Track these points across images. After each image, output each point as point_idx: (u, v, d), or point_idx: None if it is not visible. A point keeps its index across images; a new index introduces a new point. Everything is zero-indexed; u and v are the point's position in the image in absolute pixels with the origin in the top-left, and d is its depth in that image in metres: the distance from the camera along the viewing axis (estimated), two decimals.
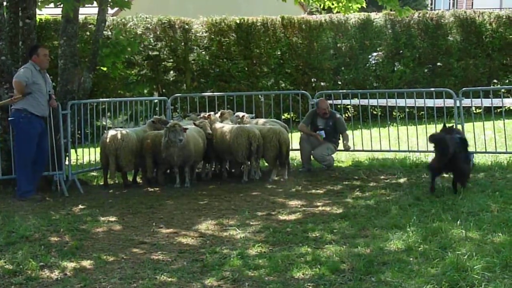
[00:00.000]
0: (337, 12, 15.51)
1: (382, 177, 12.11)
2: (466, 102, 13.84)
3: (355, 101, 17.13)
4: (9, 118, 11.11)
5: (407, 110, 16.06)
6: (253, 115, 14.05)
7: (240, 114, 13.18)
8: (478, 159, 12.91)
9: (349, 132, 13.48)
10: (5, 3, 12.01)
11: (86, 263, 7.18)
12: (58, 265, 7.10)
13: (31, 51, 11.22)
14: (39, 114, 11.03)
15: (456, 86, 20.15)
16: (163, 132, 12.09)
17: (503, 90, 18.63)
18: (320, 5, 15.51)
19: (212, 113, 13.44)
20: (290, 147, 12.98)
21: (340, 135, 13.15)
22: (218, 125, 12.58)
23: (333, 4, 15.10)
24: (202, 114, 13.27)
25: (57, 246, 7.88)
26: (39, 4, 12.31)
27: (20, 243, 8.02)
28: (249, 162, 12.14)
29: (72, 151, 12.33)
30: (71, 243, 8.01)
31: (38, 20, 15.47)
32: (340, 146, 13.24)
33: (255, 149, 11.86)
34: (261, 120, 13.41)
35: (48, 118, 11.53)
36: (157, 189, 11.82)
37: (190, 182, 11.94)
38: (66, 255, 7.44)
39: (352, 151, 13.78)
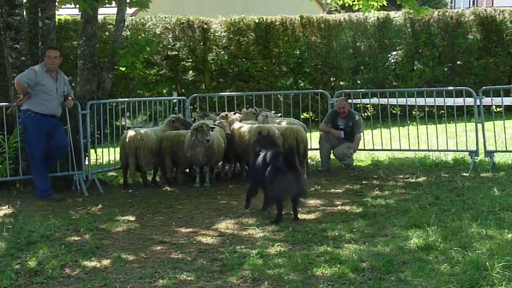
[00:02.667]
0: (357, 10, 15.47)
1: (402, 176, 12.07)
2: (486, 100, 13.76)
3: (375, 100, 17.08)
4: (19, 120, 11.29)
5: (426, 109, 15.99)
6: (279, 114, 13.98)
7: (268, 113, 13.03)
8: (498, 158, 12.84)
9: (368, 131, 13.45)
10: (25, 4, 12.08)
11: (106, 262, 7.20)
12: (79, 264, 7.13)
13: (42, 54, 11.45)
14: (45, 112, 11.02)
15: (476, 84, 20.05)
16: (182, 132, 12.12)
17: None
18: (339, 3, 15.47)
19: (229, 112, 13.45)
20: (310, 147, 12.96)
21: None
22: (236, 124, 12.58)
23: (353, 2, 15.07)
24: (221, 114, 13.28)
25: (77, 246, 7.91)
26: (57, 3, 12.36)
27: (40, 243, 8.06)
28: None
29: (92, 151, 12.38)
30: (91, 242, 8.03)
31: (57, 20, 15.54)
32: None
33: None
34: (284, 120, 13.32)
35: (68, 117, 11.59)
36: (176, 189, 11.83)
37: (210, 181, 11.95)
38: (86, 255, 7.47)
39: (371, 150, 13.74)
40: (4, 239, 8.28)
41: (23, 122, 11.07)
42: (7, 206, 10.48)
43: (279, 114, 13.71)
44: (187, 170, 12.73)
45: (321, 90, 16.57)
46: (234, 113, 13.56)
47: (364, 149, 13.60)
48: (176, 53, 22.07)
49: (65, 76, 11.47)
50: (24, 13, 12.01)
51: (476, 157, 12.56)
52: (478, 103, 12.79)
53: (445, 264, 6.49)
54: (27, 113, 10.96)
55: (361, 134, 13.22)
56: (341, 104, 13.07)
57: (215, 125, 12.15)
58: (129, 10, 18.42)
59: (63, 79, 11.36)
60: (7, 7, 11.39)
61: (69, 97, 11.39)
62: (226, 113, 13.26)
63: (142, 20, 21.88)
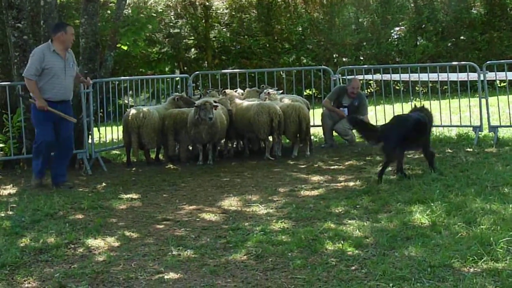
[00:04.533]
0: None
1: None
2: (490, 75, 13.70)
3: (378, 76, 17.04)
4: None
5: (430, 84, 15.93)
6: (281, 90, 13.94)
7: (270, 90, 12.99)
8: (502, 133, 12.83)
9: (371, 108, 13.42)
10: None
11: (110, 240, 7.22)
12: (83, 242, 7.14)
13: (53, 29, 10.35)
14: (55, 99, 10.10)
15: (480, 59, 19.99)
16: (184, 110, 12.10)
17: None
18: None
19: (228, 89, 13.43)
20: (312, 123, 12.95)
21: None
22: (237, 102, 12.56)
23: None
24: (225, 91, 13.26)
25: (82, 224, 7.92)
26: None
27: (45, 221, 8.08)
28: (270, 139, 12.15)
29: (95, 129, 12.37)
30: (95, 220, 8.05)
31: None
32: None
33: (276, 126, 11.84)
34: (287, 97, 13.27)
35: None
36: (179, 166, 11.84)
37: (213, 159, 11.96)
38: (91, 232, 7.48)
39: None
40: (8, 217, 8.30)
41: (31, 108, 10.32)
42: (11, 185, 10.50)
43: (281, 91, 13.67)
44: (190, 148, 12.72)
45: (324, 67, 16.53)
46: (235, 91, 13.53)
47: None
48: (178, 30, 22.05)
49: (72, 53, 10.58)
50: None
51: (480, 132, 12.54)
52: (482, 78, 12.75)
53: (449, 240, 6.49)
54: (33, 100, 10.14)
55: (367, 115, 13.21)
56: (356, 85, 13.01)
57: (216, 102, 12.11)
58: None
59: (71, 57, 10.42)
60: None
61: (81, 77, 10.95)
62: (225, 90, 13.24)
63: None
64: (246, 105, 12.23)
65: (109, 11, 20.15)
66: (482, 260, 5.84)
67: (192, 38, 22.11)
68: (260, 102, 12.12)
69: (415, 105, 10.89)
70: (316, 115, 13.84)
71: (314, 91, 18.55)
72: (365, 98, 13.34)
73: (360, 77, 16.70)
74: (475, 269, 5.68)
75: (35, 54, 10.01)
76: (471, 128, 12.93)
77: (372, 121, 13.29)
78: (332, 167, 11.13)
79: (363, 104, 13.05)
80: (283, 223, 7.55)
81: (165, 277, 5.95)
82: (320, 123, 13.42)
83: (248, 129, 12.13)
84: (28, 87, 10.06)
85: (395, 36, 22.90)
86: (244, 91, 13.68)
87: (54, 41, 10.08)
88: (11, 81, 11.93)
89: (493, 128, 12.54)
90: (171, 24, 21.85)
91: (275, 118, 11.79)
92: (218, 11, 22.27)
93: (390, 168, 10.48)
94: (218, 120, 11.70)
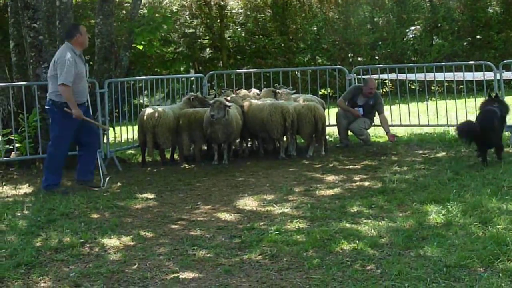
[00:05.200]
0: None
1: (421, 152, 12.02)
2: (507, 74, 13.64)
3: (393, 76, 16.98)
4: (46, 106, 10.31)
5: (446, 84, 15.88)
6: (294, 90, 13.91)
7: (283, 90, 12.98)
8: None
9: (386, 107, 13.38)
10: None
11: (125, 240, 7.23)
12: (98, 241, 7.16)
13: (70, 31, 10.14)
14: (80, 102, 9.96)
15: (496, 59, 19.89)
16: (199, 110, 12.11)
17: None
18: None
19: (242, 90, 13.45)
20: (327, 123, 12.94)
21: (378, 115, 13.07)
22: (250, 101, 12.54)
23: None
24: (241, 91, 13.25)
25: (97, 223, 7.94)
26: None
27: (60, 220, 8.10)
28: (284, 138, 12.14)
29: (110, 129, 12.40)
30: (110, 220, 8.07)
31: None
32: (377, 122, 13.17)
33: (289, 125, 11.82)
34: (301, 97, 13.25)
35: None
36: (195, 166, 11.84)
37: (228, 159, 11.96)
38: (106, 232, 7.50)
39: (390, 126, 13.69)
40: (24, 217, 8.34)
41: (52, 111, 9.95)
42: (27, 185, 10.55)
43: (294, 91, 13.65)
44: (205, 148, 12.73)
45: (339, 66, 16.51)
46: (249, 91, 13.53)
47: (381, 125, 13.53)
48: (193, 30, 22.08)
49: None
50: None
51: None
52: (498, 77, 12.69)
53: (465, 240, 6.46)
54: (58, 104, 9.78)
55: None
56: (372, 85, 12.97)
57: (227, 100, 12.07)
58: None
59: (83, 58, 10.27)
60: None
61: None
62: (235, 89, 13.23)
63: None
64: (259, 105, 12.20)
65: (124, 11, 20.24)
66: (498, 260, 5.81)
67: (207, 38, 22.15)
68: (273, 102, 12.10)
69: (489, 95, 11.00)
70: (331, 115, 13.81)
71: (329, 91, 18.52)
72: (380, 97, 13.30)
73: (376, 76, 16.68)
74: (491, 269, 5.66)
75: (67, 60, 9.65)
76: None
77: (388, 121, 13.27)
78: (347, 166, 11.10)
79: (379, 102, 13.01)
80: (298, 223, 7.54)
81: (180, 276, 5.96)
82: (335, 123, 13.39)
83: (261, 129, 12.11)
84: (64, 95, 9.67)
85: (411, 36, 22.83)
86: (259, 91, 13.67)
87: (73, 44, 9.93)
88: (27, 81, 11.99)
89: (510, 128, 12.47)
90: (186, 24, 21.88)
91: (288, 118, 11.77)
92: (233, 11, 22.29)
93: (405, 168, 10.47)
94: (234, 120, 11.71)
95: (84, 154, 10.29)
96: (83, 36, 9.99)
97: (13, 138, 11.62)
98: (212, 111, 11.36)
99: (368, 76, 13.66)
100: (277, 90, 12.99)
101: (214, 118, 11.37)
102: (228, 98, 12.38)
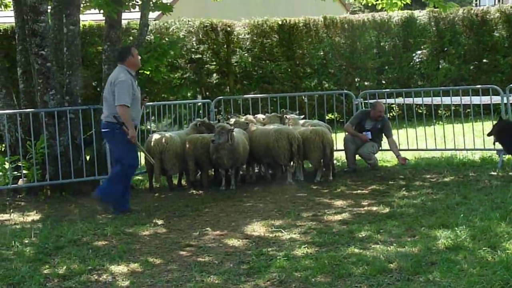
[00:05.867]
0: (380, 9, 15.40)
1: (428, 176, 12.00)
2: None
3: (400, 100, 16.98)
4: (102, 130, 10.31)
5: (453, 108, 15.88)
6: (302, 116, 13.91)
7: (291, 116, 13.01)
8: None
9: (394, 131, 13.37)
10: (49, 11, 12.17)
11: (134, 266, 7.22)
12: (106, 268, 7.15)
13: (123, 54, 10.30)
14: (136, 123, 10.23)
15: (503, 82, 19.85)
16: (205, 135, 12.11)
17: None
18: (363, 2, 15.42)
19: (249, 116, 13.46)
20: (335, 148, 12.93)
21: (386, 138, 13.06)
22: (253, 127, 12.54)
23: (376, 1, 15.00)
24: (248, 117, 13.26)
25: (105, 250, 7.94)
26: (81, 9, 12.44)
27: (68, 247, 8.11)
28: (291, 164, 12.11)
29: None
30: (118, 246, 8.06)
31: (82, 26, 15.64)
32: (385, 146, 13.16)
33: (296, 150, 11.81)
34: (309, 122, 13.25)
35: (93, 122, 11.70)
36: (202, 192, 11.83)
37: (235, 184, 11.95)
38: (114, 259, 7.49)
39: (398, 150, 13.68)
40: (32, 244, 8.34)
41: (111, 133, 10.08)
42: (34, 212, 10.56)
43: (302, 116, 13.66)
44: (213, 173, 12.72)
45: (346, 91, 16.52)
46: (255, 117, 13.53)
47: (390, 149, 13.50)
48: (200, 56, 22.10)
49: None
50: (49, 20, 12.09)
51: (504, 156, 12.45)
52: (505, 101, 12.70)
53: (474, 265, 6.44)
54: (117, 125, 9.91)
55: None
56: (381, 108, 12.97)
57: (230, 124, 12.05)
58: (153, 15, 18.49)
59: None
60: (32, 14, 11.48)
61: (145, 100, 10.91)
62: (238, 115, 13.25)
63: (165, 24, 21.95)
64: (264, 130, 12.19)
65: (131, 38, 20.30)
66: (508, 285, 5.79)
67: (214, 63, 22.17)
68: (278, 128, 12.07)
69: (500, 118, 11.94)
70: (338, 140, 13.81)
71: (336, 116, 18.53)
72: (388, 121, 13.30)
73: (383, 101, 16.66)
74: None
75: (124, 81, 9.85)
76: (495, 152, 12.84)
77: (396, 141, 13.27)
78: (355, 191, 11.09)
79: (387, 126, 13.00)
80: (306, 248, 7.52)
81: None
82: (342, 148, 13.37)
83: (267, 155, 12.08)
84: (122, 116, 9.83)
85: (417, 60, 22.82)
86: (264, 116, 13.67)
87: (127, 66, 10.10)
88: (34, 108, 12.04)
89: (499, 151, 12.47)
90: (193, 49, 21.91)
91: (294, 143, 11.76)
92: (240, 36, 22.33)
93: (413, 192, 10.44)
94: (240, 145, 11.70)
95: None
96: (135, 57, 10.21)
97: (20, 164, 11.65)
98: (214, 137, 11.38)
99: (375, 100, 13.66)
100: (285, 115, 12.99)
101: (215, 143, 11.38)
102: (231, 122, 12.39)
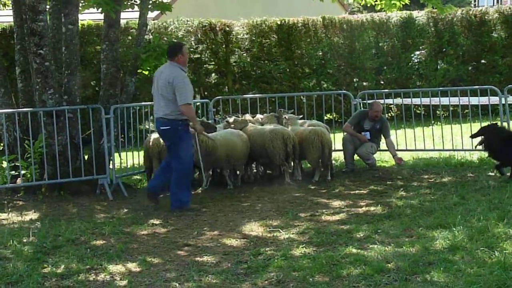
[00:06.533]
0: (379, 10, 15.41)
1: (426, 176, 12.01)
2: None
3: (398, 101, 16.99)
4: (161, 127, 10.34)
5: (451, 108, 15.88)
6: (301, 116, 13.91)
7: (290, 115, 13.03)
8: None
9: (392, 132, 13.38)
10: (48, 10, 12.16)
11: (132, 266, 7.23)
12: (104, 268, 7.16)
13: (174, 51, 10.45)
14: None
15: (501, 83, 19.86)
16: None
17: None
18: (361, 3, 15.43)
19: (247, 115, 13.42)
20: (333, 148, 12.94)
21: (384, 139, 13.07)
22: (250, 127, 12.49)
23: (375, 1, 15.01)
24: (246, 116, 13.24)
25: (103, 249, 7.95)
26: (80, 8, 12.44)
27: (66, 247, 8.11)
28: (289, 163, 12.09)
29: (116, 155, 12.40)
30: (116, 246, 8.07)
31: (80, 25, 15.64)
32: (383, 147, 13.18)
33: (291, 150, 11.81)
34: (308, 122, 13.25)
35: (92, 122, 11.72)
36: (200, 191, 11.82)
37: (233, 183, 11.94)
38: (112, 258, 7.50)
39: (395, 150, 13.69)
40: (30, 243, 8.35)
41: (173, 131, 10.20)
42: (33, 211, 10.56)
43: (301, 116, 13.66)
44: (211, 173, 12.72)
45: (344, 91, 16.54)
46: (253, 116, 13.50)
47: (388, 150, 13.52)
48: (199, 56, 22.09)
49: None
50: (48, 19, 12.08)
51: None
52: (503, 101, 12.71)
53: (472, 265, 6.45)
54: (180, 122, 10.15)
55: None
56: (378, 108, 12.98)
57: (229, 123, 12.02)
58: (152, 14, 18.51)
59: None
60: (30, 13, 11.47)
61: None
62: (238, 115, 13.22)
63: (164, 24, 21.94)
64: (259, 130, 12.18)
65: (130, 37, 20.31)
66: (505, 285, 5.81)
67: (213, 63, 22.16)
68: (273, 128, 12.06)
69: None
70: (336, 140, 13.81)
71: (334, 116, 18.53)
72: (387, 121, 13.30)
73: (381, 101, 16.66)
74: None
75: (184, 79, 10.15)
76: None
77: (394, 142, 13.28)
78: (353, 191, 11.10)
79: (386, 126, 13.01)
80: (304, 248, 7.53)
81: None
82: (340, 148, 13.38)
83: (262, 155, 12.06)
84: (187, 113, 10.12)
85: (416, 60, 22.83)
86: (263, 116, 13.64)
87: (177, 63, 10.30)
88: (33, 107, 12.04)
89: None
90: (192, 49, 21.90)
91: (289, 143, 11.76)
92: (239, 36, 22.31)
93: (411, 193, 10.45)
94: (222, 148, 11.50)
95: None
96: (185, 56, 10.46)
97: (19, 164, 11.64)
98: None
99: (373, 100, 13.66)
100: (284, 115, 12.98)
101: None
102: (230, 121, 12.36)
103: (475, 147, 12.28)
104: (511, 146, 11.06)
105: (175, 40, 18.89)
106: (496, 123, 12.11)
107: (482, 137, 11.63)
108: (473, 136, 11.90)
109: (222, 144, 11.63)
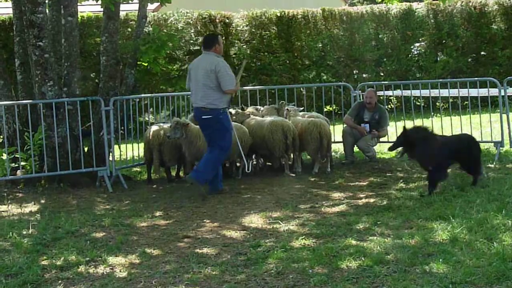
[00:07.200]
0: (379, 2, 15.39)
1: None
2: (511, 91, 13.62)
3: (398, 92, 17.01)
4: (203, 117, 10.60)
5: (450, 100, 15.88)
6: (302, 108, 13.91)
7: (292, 107, 13.05)
8: None
9: (392, 124, 13.38)
10: (47, 2, 12.15)
11: (132, 258, 7.24)
12: (104, 259, 7.17)
13: (211, 41, 10.78)
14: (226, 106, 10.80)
15: (500, 75, 19.85)
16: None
17: None
18: None
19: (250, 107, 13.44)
20: (333, 140, 12.94)
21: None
22: (250, 119, 12.49)
23: None
24: (249, 109, 13.24)
25: (103, 241, 7.96)
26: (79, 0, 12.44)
27: (66, 239, 8.12)
28: (287, 156, 12.09)
29: (116, 147, 12.41)
30: (116, 238, 8.08)
31: (80, 17, 15.62)
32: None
33: (291, 142, 11.81)
34: (308, 114, 13.26)
35: (92, 114, 11.73)
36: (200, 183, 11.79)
37: (239, 173, 12.15)
38: (112, 250, 7.51)
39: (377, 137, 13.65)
40: (30, 235, 8.36)
41: (215, 119, 10.51)
42: (32, 203, 10.56)
43: (302, 108, 13.65)
44: None
45: (344, 83, 16.54)
46: (257, 108, 13.50)
47: (388, 141, 13.48)
48: (198, 48, 22.04)
49: None
50: (47, 11, 12.07)
51: (501, 148, 12.48)
52: (502, 93, 12.71)
53: (471, 256, 6.46)
54: (221, 110, 10.53)
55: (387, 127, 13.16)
56: (369, 94, 12.94)
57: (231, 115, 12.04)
58: (151, 6, 18.50)
59: None
60: (30, 5, 11.46)
61: None
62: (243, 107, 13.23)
63: (164, 16, 21.92)
64: (260, 122, 12.18)
65: (129, 29, 20.29)
66: (504, 276, 5.81)
67: None
68: (273, 120, 12.05)
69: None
70: (336, 132, 13.81)
71: (334, 108, 18.53)
72: (385, 111, 13.27)
73: (381, 93, 16.68)
74: (497, 286, 5.65)
75: (225, 66, 10.55)
76: (492, 144, 12.86)
77: (393, 138, 13.26)
78: (353, 183, 11.11)
79: (384, 117, 12.98)
80: (304, 239, 7.54)
81: None
82: (340, 140, 13.38)
83: (262, 146, 12.06)
84: (231, 93, 10.82)
85: (415, 52, 22.83)
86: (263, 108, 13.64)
87: (215, 53, 10.62)
88: (32, 99, 12.04)
89: (496, 143, 12.49)
90: (192, 41, 21.89)
91: (289, 135, 11.76)
92: (238, 28, 22.30)
93: (411, 184, 10.45)
94: (200, 140, 11.45)
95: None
96: (220, 46, 10.80)
97: (18, 156, 11.65)
98: (169, 132, 11.29)
99: (370, 88, 13.62)
100: (286, 107, 12.97)
101: (170, 138, 11.33)
102: (233, 112, 12.37)
103: (398, 158, 12.13)
104: (429, 145, 9.75)
105: (174, 33, 18.86)
106: (406, 128, 10.30)
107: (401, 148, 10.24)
108: (391, 149, 10.49)
109: None
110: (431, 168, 9.76)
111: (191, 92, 10.83)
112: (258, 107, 13.73)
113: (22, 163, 11.70)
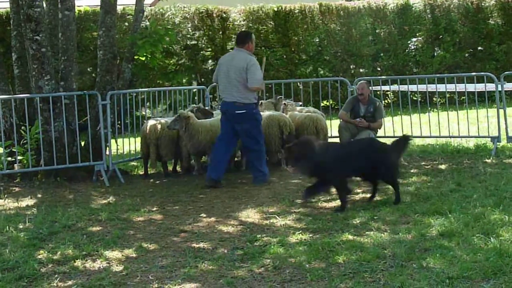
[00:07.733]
0: None
1: (423, 163, 12.01)
2: (508, 86, 13.64)
3: (395, 87, 17.00)
4: (237, 112, 10.76)
5: (447, 95, 15.88)
6: (300, 103, 13.92)
7: (290, 102, 13.09)
8: None
9: (388, 118, 13.38)
10: None
11: (128, 252, 7.23)
12: (100, 254, 7.16)
13: (244, 38, 11.07)
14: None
15: (497, 70, 19.89)
16: (202, 121, 12.09)
17: None
18: None
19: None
20: (330, 135, 12.93)
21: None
22: None
23: None
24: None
25: (99, 236, 7.95)
26: None
27: (62, 233, 8.11)
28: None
29: (113, 141, 12.39)
30: (112, 232, 8.07)
31: (77, 11, 15.60)
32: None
33: (287, 137, 11.81)
34: (305, 109, 13.26)
35: (89, 108, 11.72)
36: (197, 178, 11.81)
37: (242, 164, 12.33)
38: (108, 244, 7.50)
39: (392, 137, 13.66)
40: (26, 229, 8.35)
41: (250, 113, 10.84)
42: (29, 197, 10.55)
43: (300, 103, 13.65)
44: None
45: (341, 78, 16.52)
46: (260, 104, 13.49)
47: (385, 136, 13.50)
48: (196, 42, 22.07)
49: None
50: (44, 5, 12.05)
51: (498, 143, 12.48)
52: (499, 88, 12.72)
53: (467, 251, 6.46)
54: (254, 105, 10.93)
55: (383, 119, 13.12)
56: (361, 86, 12.85)
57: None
58: (148, 0, 18.47)
59: None
60: None
61: None
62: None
63: (161, 10, 21.91)
64: None
65: (126, 23, 20.28)
66: (501, 271, 5.81)
67: (210, 49, 22.15)
68: (270, 114, 12.04)
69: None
70: (333, 126, 13.81)
71: (331, 102, 18.53)
72: (380, 103, 13.18)
73: (378, 88, 16.68)
74: (494, 281, 5.66)
75: (256, 64, 10.84)
76: (489, 139, 12.86)
77: (390, 132, 13.27)
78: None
79: (378, 110, 12.87)
80: (300, 234, 7.54)
81: None
82: (337, 135, 13.36)
83: None
84: (258, 90, 11.27)
85: (412, 47, 22.84)
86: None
87: (247, 50, 10.94)
88: (29, 93, 12.02)
89: (511, 139, 12.50)
90: (189, 36, 21.88)
91: (285, 130, 11.75)
92: (235, 23, 22.30)
93: (408, 180, 10.45)
94: (202, 133, 11.49)
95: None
96: (253, 43, 11.11)
97: (15, 150, 11.63)
98: (170, 123, 11.42)
99: (362, 81, 13.61)
100: (284, 102, 12.97)
101: (170, 128, 11.54)
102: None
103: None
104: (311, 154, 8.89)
105: (171, 27, 18.83)
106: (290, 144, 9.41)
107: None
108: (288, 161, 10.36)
109: (208, 130, 11.63)
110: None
111: (220, 86, 11.12)
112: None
113: (19, 157, 11.68)
